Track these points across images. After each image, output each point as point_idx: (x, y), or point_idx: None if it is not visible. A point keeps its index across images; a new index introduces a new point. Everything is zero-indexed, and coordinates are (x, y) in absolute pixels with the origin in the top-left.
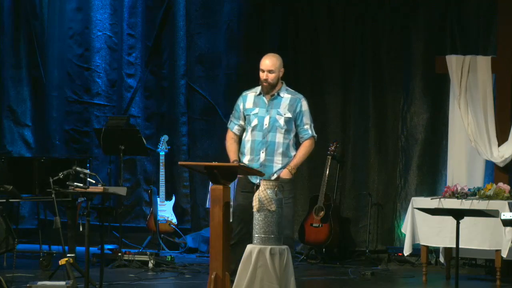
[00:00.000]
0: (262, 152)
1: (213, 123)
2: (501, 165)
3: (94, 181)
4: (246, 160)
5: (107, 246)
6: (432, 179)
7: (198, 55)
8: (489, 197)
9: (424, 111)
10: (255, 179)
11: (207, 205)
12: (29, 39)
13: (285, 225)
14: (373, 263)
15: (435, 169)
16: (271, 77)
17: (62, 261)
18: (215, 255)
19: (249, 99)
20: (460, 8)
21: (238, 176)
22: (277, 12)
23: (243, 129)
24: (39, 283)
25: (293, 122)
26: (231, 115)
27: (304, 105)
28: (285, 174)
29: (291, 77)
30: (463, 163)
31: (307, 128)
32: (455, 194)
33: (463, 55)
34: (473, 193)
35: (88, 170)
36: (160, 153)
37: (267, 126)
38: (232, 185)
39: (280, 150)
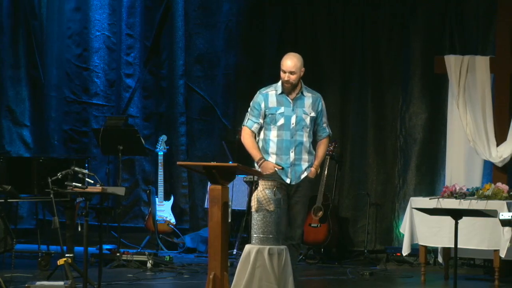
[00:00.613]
0: (292, 152)
1: (211, 123)
2: (500, 165)
3: (92, 181)
4: (273, 159)
5: (105, 246)
6: (430, 179)
7: (197, 55)
8: (487, 197)
9: (422, 111)
10: (284, 177)
11: (206, 205)
12: (28, 39)
13: (299, 224)
14: (372, 263)
15: (434, 169)
16: (293, 78)
17: (61, 261)
18: (214, 255)
19: (271, 98)
20: (459, 8)
21: (263, 172)
22: (276, 12)
23: (260, 128)
24: (38, 283)
25: (314, 121)
26: (247, 113)
27: (323, 103)
28: (313, 173)
29: None
30: (462, 163)
31: (325, 127)
32: (453, 194)
33: (461, 55)
34: (471, 193)
35: (86, 170)
36: (159, 153)
37: (294, 125)
38: (230, 186)
39: (307, 148)
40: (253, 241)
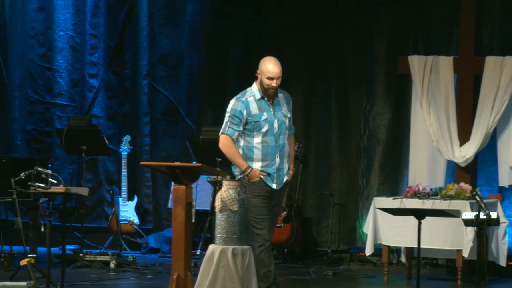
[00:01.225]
0: (277, 157)
1: (175, 123)
2: (463, 165)
3: (56, 181)
4: (258, 166)
5: (68, 247)
6: (394, 179)
7: (161, 55)
8: (450, 197)
9: (386, 111)
10: (271, 183)
11: (169, 205)
12: None
13: (273, 226)
14: (335, 263)
15: (397, 169)
16: (279, 83)
17: (24, 262)
18: (177, 255)
19: (252, 104)
20: (423, 8)
21: (250, 181)
22: (241, 12)
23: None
24: (0, 283)
25: None
26: (227, 121)
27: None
28: (291, 176)
29: (253, 77)
30: (425, 163)
31: (291, 124)
32: (416, 194)
33: (425, 55)
34: (434, 193)
35: (50, 171)
36: (122, 153)
37: (277, 129)
38: (194, 186)
39: (288, 150)
40: (217, 241)
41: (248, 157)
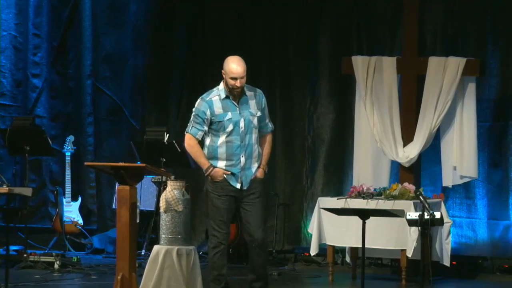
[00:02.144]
0: (242, 156)
1: (119, 123)
2: (407, 165)
3: None
4: (223, 165)
5: (12, 247)
6: (338, 179)
7: (105, 55)
8: (394, 197)
9: (330, 111)
10: (235, 183)
11: (114, 205)
12: None
13: (257, 225)
14: (280, 263)
15: (341, 169)
16: (243, 82)
17: None
18: (122, 255)
19: (216, 104)
20: (366, 9)
21: (213, 180)
22: (184, 12)
23: (204, 133)
24: None
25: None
26: (191, 120)
27: (265, 98)
28: (261, 173)
29: (198, 77)
30: (369, 163)
31: (268, 122)
32: (361, 194)
33: (369, 56)
34: (378, 193)
35: None
36: (66, 154)
37: (243, 129)
38: (138, 186)
39: (256, 150)
40: (162, 242)
41: (213, 156)
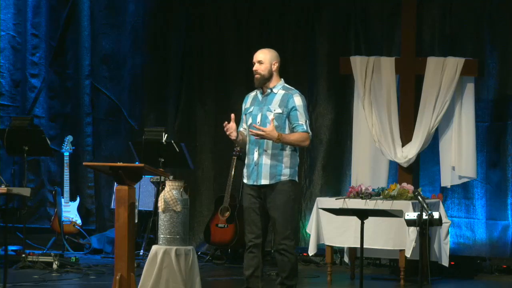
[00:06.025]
0: (256, 151)
1: (118, 123)
2: (405, 165)
3: None
4: (246, 160)
5: (10, 247)
6: (336, 179)
7: (103, 56)
8: (393, 197)
9: (328, 111)
10: (244, 178)
11: (112, 205)
12: None
13: (277, 230)
14: None
15: (340, 169)
16: (261, 68)
17: None
18: (120, 256)
19: (249, 98)
20: (364, 9)
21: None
22: (182, 12)
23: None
24: None
25: (285, 119)
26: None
27: (298, 100)
28: (272, 131)
29: (196, 78)
30: (367, 164)
31: (302, 124)
32: (359, 194)
33: (367, 56)
34: (377, 193)
35: None
36: (65, 154)
37: (258, 124)
38: (137, 186)
39: (270, 148)
40: (160, 242)
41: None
